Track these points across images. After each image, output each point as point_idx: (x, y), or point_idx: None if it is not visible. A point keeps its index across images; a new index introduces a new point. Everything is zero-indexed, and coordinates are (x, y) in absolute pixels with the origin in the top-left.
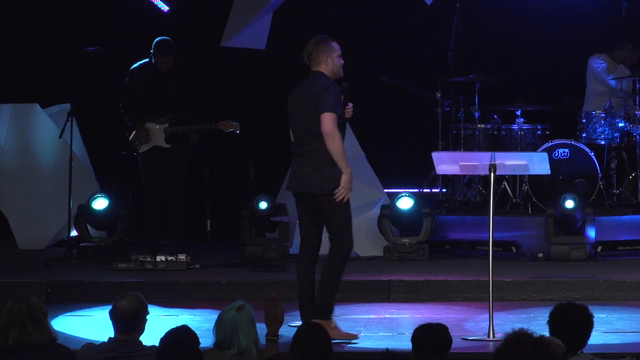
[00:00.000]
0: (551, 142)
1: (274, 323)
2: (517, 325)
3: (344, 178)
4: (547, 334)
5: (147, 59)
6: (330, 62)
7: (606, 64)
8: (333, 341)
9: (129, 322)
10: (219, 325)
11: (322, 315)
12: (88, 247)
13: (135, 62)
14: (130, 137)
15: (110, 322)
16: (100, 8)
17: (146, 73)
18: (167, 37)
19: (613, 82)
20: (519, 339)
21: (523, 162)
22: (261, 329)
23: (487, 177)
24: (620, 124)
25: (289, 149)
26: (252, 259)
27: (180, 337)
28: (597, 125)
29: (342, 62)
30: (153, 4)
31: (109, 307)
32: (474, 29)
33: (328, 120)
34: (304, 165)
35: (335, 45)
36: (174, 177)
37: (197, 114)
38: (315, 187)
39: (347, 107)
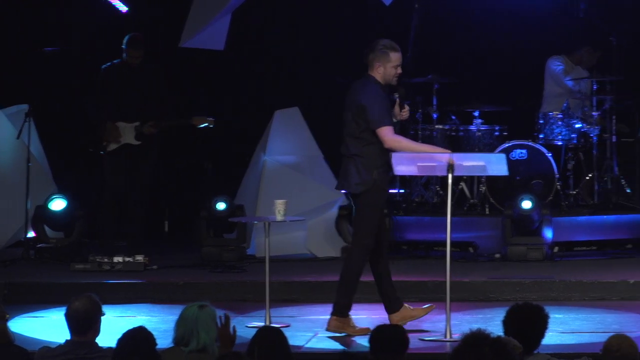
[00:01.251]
0: (509, 143)
1: (226, 342)
2: (474, 326)
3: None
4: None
5: (118, 59)
6: (382, 70)
7: (563, 66)
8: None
9: (83, 324)
10: (180, 321)
11: (338, 313)
12: (45, 248)
13: (94, 62)
14: (100, 136)
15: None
16: (59, 8)
17: (117, 72)
18: (138, 33)
19: (570, 84)
20: (476, 340)
21: (481, 163)
22: None
23: (445, 178)
24: (577, 125)
25: (247, 150)
26: (210, 259)
27: (137, 338)
28: (554, 126)
29: (400, 72)
30: (111, 4)
31: None
32: (432, 30)
33: (383, 135)
34: (347, 166)
35: (393, 55)
36: (139, 176)
37: (167, 111)
38: (352, 187)
39: (403, 109)
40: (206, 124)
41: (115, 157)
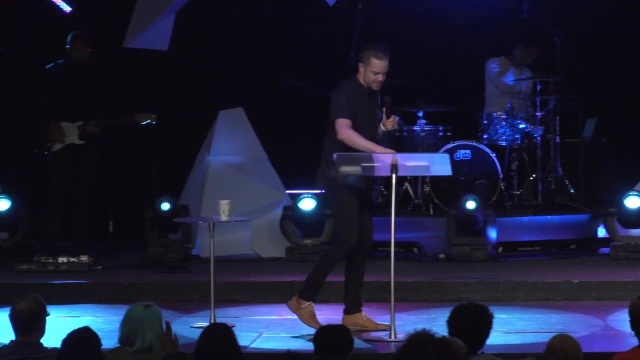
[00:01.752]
0: (453, 143)
1: (169, 348)
2: (419, 326)
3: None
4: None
5: (62, 59)
6: (363, 72)
7: (499, 68)
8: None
9: (27, 324)
10: (125, 321)
11: (301, 294)
12: None
13: (37, 63)
14: (44, 136)
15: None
16: (1, 8)
17: (61, 72)
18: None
19: (508, 81)
20: (421, 340)
21: (424, 164)
22: None
23: (389, 178)
24: (521, 126)
25: (192, 150)
26: (155, 260)
27: (82, 338)
28: (498, 126)
29: (379, 79)
30: (55, 4)
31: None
32: (375, 30)
33: (337, 126)
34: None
35: (375, 61)
36: (84, 176)
37: (111, 111)
38: (317, 184)
39: (389, 119)
40: (149, 121)
41: (60, 157)
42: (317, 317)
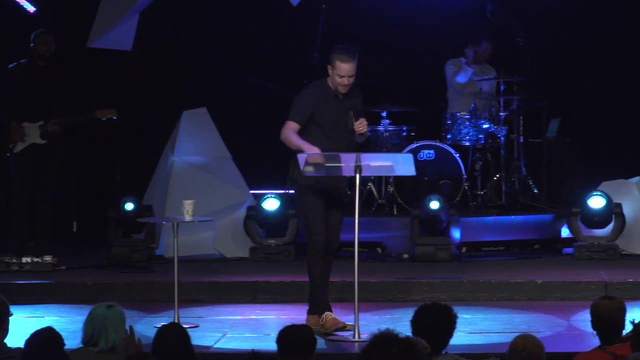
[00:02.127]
0: (416, 143)
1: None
2: (383, 326)
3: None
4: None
5: (25, 59)
6: (331, 75)
7: (454, 69)
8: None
9: None
10: (88, 321)
11: (309, 311)
12: None
13: (2, 63)
14: (6, 137)
15: None
16: None
17: (24, 72)
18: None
19: (462, 81)
20: (384, 340)
21: (388, 164)
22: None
23: (353, 178)
24: (485, 126)
25: (155, 150)
26: (119, 260)
27: (45, 338)
28: (462, 126)
29: (345, 82)
30: (19, 4)
31: None
32: (340, 30)
33: (283, 127)
34: None
35: (340, 65)
36: (46, 176)
37: (73, 110)
38: (288, 184)
39: (356, 122)
40: (110, 116)
41: (22, 158)
42: (281, 316)
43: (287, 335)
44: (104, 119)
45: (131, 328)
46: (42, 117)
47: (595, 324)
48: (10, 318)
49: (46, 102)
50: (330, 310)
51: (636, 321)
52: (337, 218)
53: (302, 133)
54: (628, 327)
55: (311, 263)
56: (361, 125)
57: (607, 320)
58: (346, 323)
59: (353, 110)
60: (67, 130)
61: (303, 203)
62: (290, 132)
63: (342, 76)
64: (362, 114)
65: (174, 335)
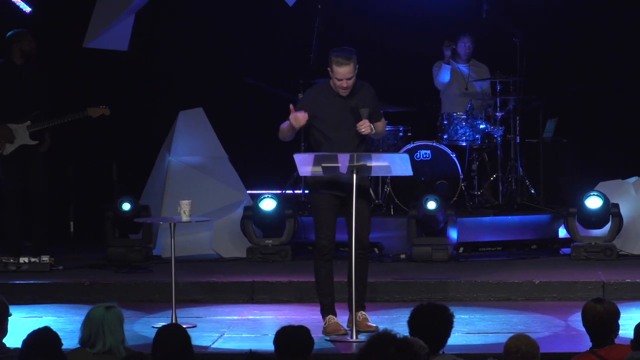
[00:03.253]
0: (413, 143)
1: None
2: (380, 326)
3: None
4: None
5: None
6: (331, 76)
7: (436, 70)
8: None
9: None
10: (86, 322)
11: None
12: None
13: None
14: None
15: None
16: None
17: (3, 71)
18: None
19: (444, 81)
20: (382, 340)
21: (385, 164)
22: (128, 330)
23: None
24: (481, 126)
25: (152, 150)
26: (116, 260)
27: (42, 338)
28: (458, 127)
29: (344, 85)
30: (15, 4)
31: None
32: (335, 30)
33: None
34: None
35: (336, 69)
36: (40, 176)
37: (52, 110)
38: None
39: (358, 123)
40: (101, 114)
41: (11, 159)
42: (278, 317)
43: (284, 335)
44: (95, 116)
45: None
46: (27, 118)
47: (585, 327)
48: (8, 318)
49: (29, 101)
50: (334, 314)
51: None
52: (361, 218)
53: (308, 139)
54: (626, 330)
55: (315, 266)
56: (363, 126)
57: (597, 324)
58: (347, 330)
59: (358, 108)
60: (55, 129)
61: (312, 206)
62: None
63: (340, 79)
64: (372, 109)
65: (174, 336)
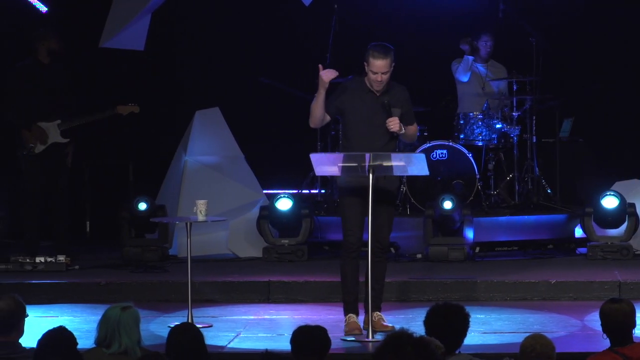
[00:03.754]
0: (429, 143)
1: None
2: (397, 326)
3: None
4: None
5: (27, 59)
6: (366, 70)
7: (455, 66)
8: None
9: (6, 324)
10: (102, 323)
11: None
12: None
13: (13, 63)
14: (25, 138)
15: None
16: None
17: (30, 72)
18: None
19: (463, 80)
20: (398, 339)
21: (402, 163)
22: (144, 330)
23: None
24: (498, 125)
25: (168, 150)
26: (132, 260)
27: (57, 337)
28: (474, 126)
29: (378, 79)
30: (31, 4)
31: None
32: (352, 30)
33: None
34: None
35: (372, 61)
36: (61, 175)
37: (77, 108)
38: None
39: (387, 120)
40: (131, 111)
41: (42, 158)
42: (294, 316)
43: (301, 335)
44: (125, 114)
45: None
46: (57, 116)
47: (605, 328)
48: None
49: (58, 100)
50: (355, 313)
51: None
52: (383, 217)
53: (324, 138)
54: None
55: (341, 263)
56: (392, 123)
57: (617, 323)
58: (362, 331)
59: (390, 104)
60: (83, 128)
61: (339, 203)
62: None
63: (375, 72)
64: (404, 111)
65: (187, 335)
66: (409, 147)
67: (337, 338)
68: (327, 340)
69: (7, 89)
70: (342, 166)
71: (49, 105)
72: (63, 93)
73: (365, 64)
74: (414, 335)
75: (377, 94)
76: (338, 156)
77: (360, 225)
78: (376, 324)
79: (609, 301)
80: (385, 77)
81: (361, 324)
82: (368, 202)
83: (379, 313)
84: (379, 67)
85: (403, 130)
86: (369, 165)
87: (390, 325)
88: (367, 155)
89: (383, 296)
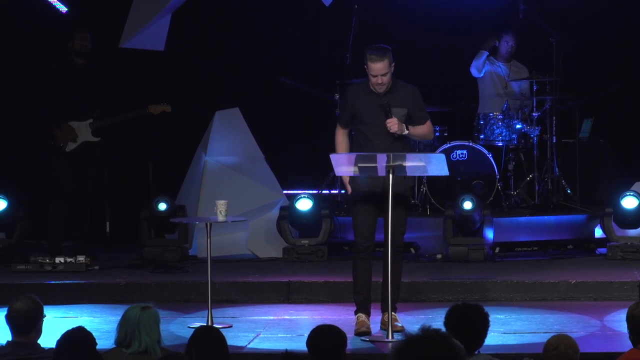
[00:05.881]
0: (449, 143)
1: None
2: (416, 327)
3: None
4: None
5: (63, 59)
6: (367, 72)
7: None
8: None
9: (24, 324)
10: (122, 323)
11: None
12: None
13: (34, 63)
14: (56, 137)
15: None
16: None
17: (64, 71)
18: None
19: (477, 75)
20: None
21: (421, 164)
22: (164, 330)
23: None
24: (518, 126)
25: (188, 150)
26: (152, 260)
27: (76, 338)
28: (494, 126)
29: (378, 82)
30: (51, 4)
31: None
32: (372, 30)
33: None
34: None
35: (371, 64)
36: (87, 174)
37: (109, 108)
38: None
39: (386, 121)
40: (163, 111)
41: (73, 157)
42: (314, 317)
43: (317, 336)
44: (157, 113)
45: None
46: (89, 115)
47: (634, 331)
48: (43, 319)
49: (91, 99)
50: (365, 313)
51: None
52: (396, 217)
53: (354, 134)
54: None
55: (353, 264)
56: (391, 124)
57: None
58: (370, 329)
59: (388, 105)
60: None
61: (352, 205)
62: (336, 140)
63: (375, 75)
64: (412, 110)
65: (210, 339)
66: (429, 148)
67: (357, 338)
68: (343, 340)
69: (41, 88)
70: (362, 167)
71: (81, 104)
72: (96, 92)
73: (365, 67)
74: (439, 331)
75: (380, 95)
76: (357, 156)
77: (370, 226)
78: (388, 324)
79: (637, 304)
80: (386, 78)
81: (377, 325)
82: (379, 203)
83: (393, 313)
84: (377, 70)
85: (406, 131)
86: (387, 166)
87: (401, 325)
88: (387, 155)
89: (400, 296)
